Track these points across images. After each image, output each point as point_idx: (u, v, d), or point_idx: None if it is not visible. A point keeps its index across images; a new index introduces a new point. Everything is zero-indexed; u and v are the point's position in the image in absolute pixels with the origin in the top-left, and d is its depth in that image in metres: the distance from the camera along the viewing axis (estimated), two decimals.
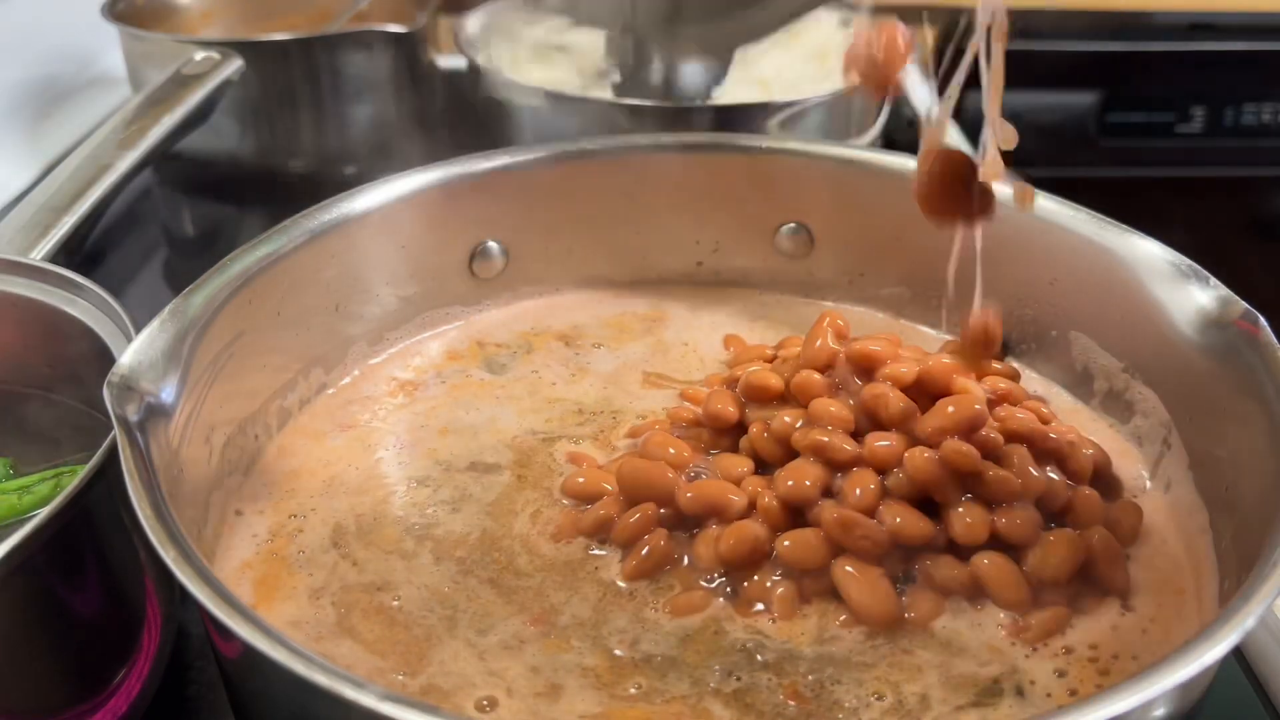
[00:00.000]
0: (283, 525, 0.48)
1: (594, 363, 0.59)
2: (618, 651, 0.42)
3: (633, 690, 0.40)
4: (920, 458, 0.44)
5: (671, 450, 0.49)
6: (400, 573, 0.45)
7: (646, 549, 0.45)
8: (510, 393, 0.56)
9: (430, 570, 0.45)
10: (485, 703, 0.40)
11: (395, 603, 0.44)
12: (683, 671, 0.41)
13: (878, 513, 0.44)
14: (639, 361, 0.59)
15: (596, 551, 0.46)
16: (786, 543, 0.44)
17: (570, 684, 0.40)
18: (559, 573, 0.45)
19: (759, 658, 0.42)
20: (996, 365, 0.55)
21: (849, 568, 0.43)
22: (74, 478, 0.40)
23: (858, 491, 0.44)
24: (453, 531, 0.47)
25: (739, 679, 0.41)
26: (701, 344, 0.60)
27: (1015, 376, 0.55)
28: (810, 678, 0.41)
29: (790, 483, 0.45)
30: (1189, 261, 0.49)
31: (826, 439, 0.45)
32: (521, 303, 0.63)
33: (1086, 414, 0.55)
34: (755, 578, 0.44)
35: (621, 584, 0.45)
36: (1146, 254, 0.50)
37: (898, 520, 0.44)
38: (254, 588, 0.45)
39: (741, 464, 0.48)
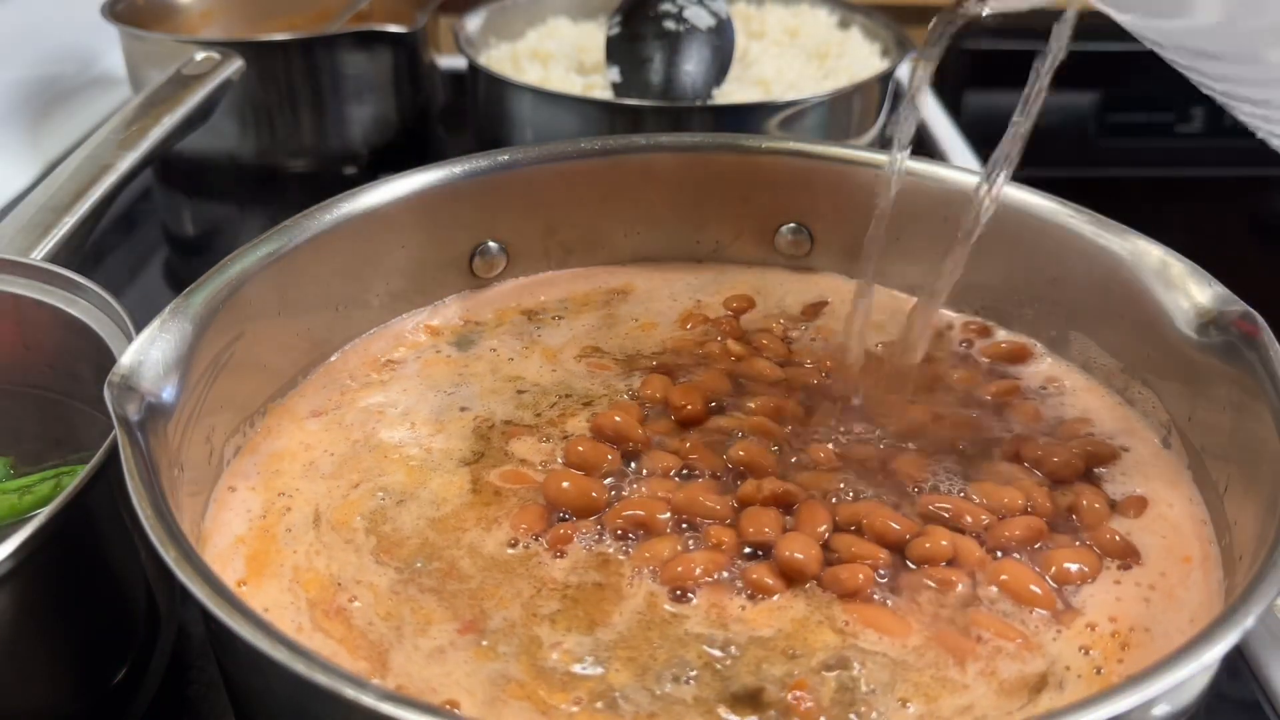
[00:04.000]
0: (273, 503, 0.47)
1: (546, 337, 0.58)
2: (555, 656, 0.40)
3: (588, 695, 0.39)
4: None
5: (592, 458, 0.49)
6: (354, 570, 0.44)
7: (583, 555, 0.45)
8: (472, 371, 0.56)
9: (376, 570, 0.44)
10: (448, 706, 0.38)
11: (355, 604, 0.43)
12: (634, 668, 0.40)
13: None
14: (583, 336, 0.58)
15: (535, 548, 0.45)
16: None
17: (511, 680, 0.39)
18: (500, 571, 0.44)
19: (720, 651, 0.41)
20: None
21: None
22: (74, 478, 0.41)
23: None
24: (399, 528, 0.46)
25: (691, 679, 0.40)
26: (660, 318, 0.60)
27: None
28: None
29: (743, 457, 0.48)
30: (1189, 261, 0.49)
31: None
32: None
33: None
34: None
35: (560, 579, 0.43)
36: (1146, 254, 0.50)
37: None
38: (246, 563, 0.44)
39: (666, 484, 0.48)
